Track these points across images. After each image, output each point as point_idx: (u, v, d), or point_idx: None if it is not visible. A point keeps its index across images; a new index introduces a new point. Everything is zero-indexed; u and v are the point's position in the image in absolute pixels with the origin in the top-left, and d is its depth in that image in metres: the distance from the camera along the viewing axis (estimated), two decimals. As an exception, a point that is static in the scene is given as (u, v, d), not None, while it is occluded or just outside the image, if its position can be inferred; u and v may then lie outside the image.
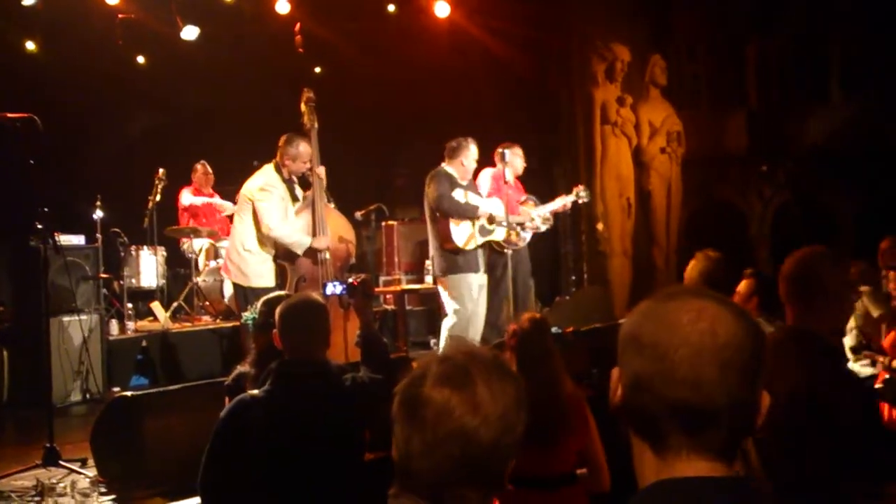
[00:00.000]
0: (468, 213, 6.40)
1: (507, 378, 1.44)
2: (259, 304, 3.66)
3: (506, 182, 6.85)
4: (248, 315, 4.86)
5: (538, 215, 6.98)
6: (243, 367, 3.43)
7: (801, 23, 10.80)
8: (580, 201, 7.21)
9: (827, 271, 2.66)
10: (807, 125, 10.78)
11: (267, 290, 5.32)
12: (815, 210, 10.82)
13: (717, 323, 1.15)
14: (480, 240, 6.50)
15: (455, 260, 6.40)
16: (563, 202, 7.13)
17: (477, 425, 1.38)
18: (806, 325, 2.51)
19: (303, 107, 6.19)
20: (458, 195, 6.43)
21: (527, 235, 6.95)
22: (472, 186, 6.69)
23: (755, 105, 11.16)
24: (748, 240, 10.88)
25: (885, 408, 4.25)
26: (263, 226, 5.97)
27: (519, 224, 6.79)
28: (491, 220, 6.53)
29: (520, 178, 7.16)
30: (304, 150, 6.09)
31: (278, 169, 6.11)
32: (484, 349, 1.58)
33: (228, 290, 7.55)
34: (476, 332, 6.43)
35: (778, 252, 10.62)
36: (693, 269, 3.83)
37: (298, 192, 6.27)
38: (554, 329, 5.22)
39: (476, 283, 6.46)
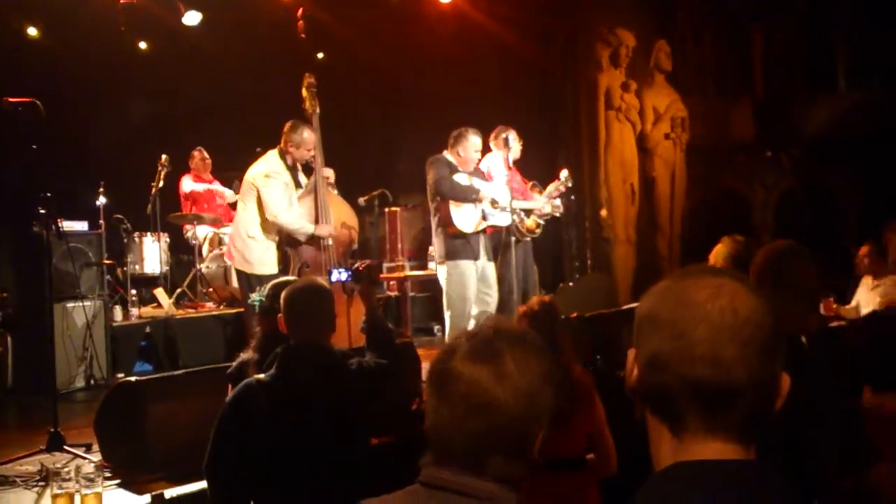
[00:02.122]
0: (468, 194, 6.36)
1: (533, 351, 1.48)
2: (267, 287, 3.66)
3: (509, 168, 6.85)
4: (256, 297, 4.86)
5: (548, 203, 6.99)
6: (245, 355, 3.42)
7: (807, 10, 10.74)
8: (568, 184, 7.21)
9: (792, 266, 2.64)
10: (811, 113, 10.75)
11: (270, 277, 5.32)
12: (819, 197, 10.80)
13: (736, 300, 1.13)
14: (484, 224, 6.48)
15: (455, 245, 6.38)
16: (556, 189, 7.13)
17: (505, 397, 1.42)
18: None
19: (304, 92, 6.17)
20: (461, 178, 6.41)
21: (542, 221, 6.99)
22: (477, 173, 6.66)
23: (760, 92, 11.12)
24: (752, 227, 10.86)
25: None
26: (268, 212, 5.96)
27: (524, 210, 6.78)
28: (495, 203, 6.51)
29: (519, 163, 7.18)
30: (308, 138, 6.07)
31: (282, 155, 6.10)
32: (512, 324, 1.63)
33: (232, 277, 7.55)
34: (485, 314, 6.42)
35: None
36: (719, 252, 3.82)
37: (302, 178, 6.26)
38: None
39: (479, 269, 6.45)
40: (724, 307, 1.13)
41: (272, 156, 6.13)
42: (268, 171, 6.01)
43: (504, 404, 1.42)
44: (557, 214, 7.21)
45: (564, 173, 7.17)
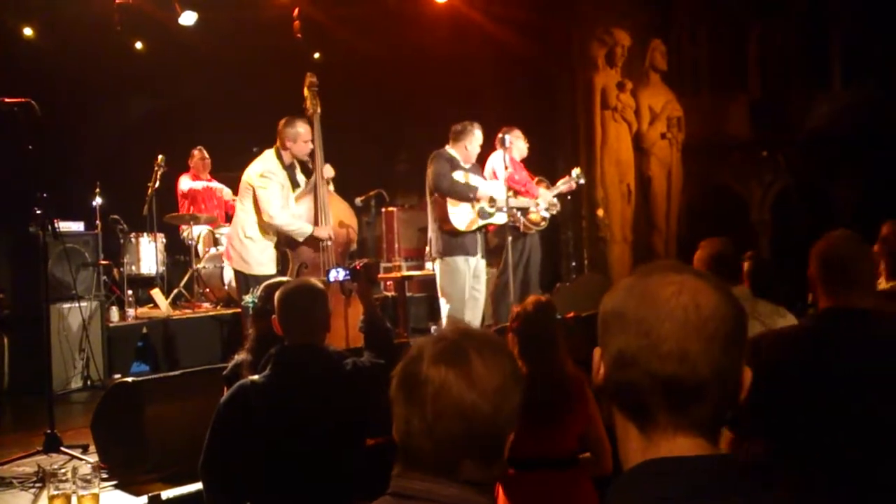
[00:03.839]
0: (465, 193, 6.39)
1: (500, 352, 1.49)
2: (259, 289, 3.66)
3: (513, 166, 6.88)
4: (249, 299, 4.86)
5: (545, 200, 7.02)
6: (240, 356, 3.42)
7: (803, 8, 10.75)
8: (580, 182, 7.26)
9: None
10: (808, 111, 10.76)
11: (268, 278, 5.31)
12: (815, 196, 10.80)
13: (698, 295, 1.15)
14: (480, 223, 6.50)
15: (452, 242, 6.42)
16: (567, 184, 7.18)
17: (474, 399, 1.41)
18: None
19: (306, 91, 6.16)
20: (458, 176, 6.44)
21: (546, 215, 7.02)
22: (476, 169, 6.69)
23: (756, 90, 11.12)
24: (749, 225, 10.87)
25: None
26: (264, 213, 5.95)
27: (520, 209, 6.80)
28: (492, 202, 6.52)
29: (523, 163, 7.22)
30: (304, 131, 6.05)
31: (279, 154, 6.08)
32: (476, 328, 1.63)
33: (228, 277, 7.55)
34: (474, 314, 6.45)
35: (778, 238, 10.62)
36: (702, 252, 3.89)
37: (300, 177, 6.25)
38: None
39: (472, 266, 6.47)
40: (686, 304, 1.14)
41: (268, 156, 6.10)
42: (263, 171, 5.99)
43: (475, 406, 1.41)
44: (554, 212, 7.24)
45: (576, 171, 7.23)
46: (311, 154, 6.17)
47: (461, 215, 6.41)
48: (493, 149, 7.06)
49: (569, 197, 7.62)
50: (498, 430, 1.44)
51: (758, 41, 11.06)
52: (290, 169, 6.13)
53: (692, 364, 1.13)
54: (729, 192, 11.11)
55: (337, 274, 3.73)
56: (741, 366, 1.17)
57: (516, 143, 6.97)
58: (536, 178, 7.23)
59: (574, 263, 10.02)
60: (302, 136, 6.03)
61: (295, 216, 6.04)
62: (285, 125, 6.04)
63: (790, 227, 10.15)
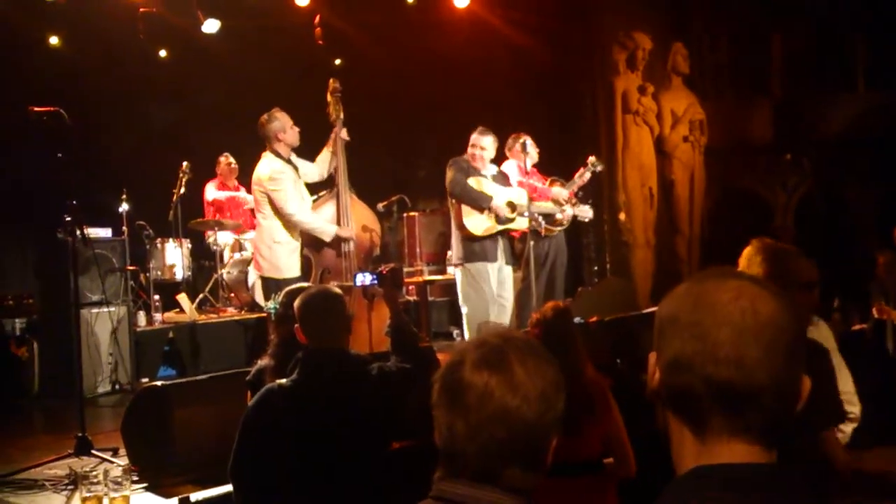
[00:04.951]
0: (476, 202, 6.42)
1: (542, 358, 1.48)
2: (281, 294, 3.70)
3: (527, 172, 6.91)
4: (272, 304, 4.91)
5: (562, 198, 7.04)
6: (263, 361, 3.46)
7: (826, 11, 10.68)
8: (596, 169, 7.26)
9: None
10: (831, 114, 10.68)
11: (295, 281, 5.36)
12: (838, 200, 10.73)
13: (757, 301, 1.15)
14: (499, 228, 6.52)
15: (472, 248, 6.45)
16: (582, 177, 7.20)
17: (518, 405, 1.41)
18: None
19: (329, 97, 6.21)
20: (474, 182, 6.47)
21: (570, 212, 7.04)
22: (500, 177, 6.71)
23: (779, 94, 11.06)
24: (772, 230, 10.80)
25: None
26: (284, 214, 5.97)
27: (543, 215, 6.83)
28: (513, 207, 6.55)
29: (539, 167, 7.26)
30: (284, 118, 6.04)
31: (276, 153, 6.08)
32: (517, 332, 1.62)
33: (252, 281, 7.61)
34: (500, 318, 6.46)
35: (802, 242, 10.55)
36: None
37: (303, 164, 6.22)
38: (577, 319, 5.25)
39: (494, 272, 6.48)
40: (745, 308, 1.14)
41: (268, 158, 6.07)
42: (271, 173, 5.98)
43: (519, 412, 1.41)
44: (586, 218, 7.27)
45: (592, 159, 7.24)
46: (333, 161, 6.22)
47: (476, 221, 6.45)
48: (505, 157, 7.13)
49: (590, 201, 7.62)
50: (541, 437, 1.44)
51: (780, 44, 11.00)
52: (291, 162, 6.14)
53: (749, 370, 1.12)
54: (752, 196, 11.05)
55: (364, 278, 3.78)
56: (799, 374, 1.16)
57: (532, 150, 7.02)
58: (550, 179, 7.26)
59: (596, 268, 10.01)
60: (287, 124, 6.04)
61: (315, 213, 6.07)
62: (268, 122, 6.04)
63: (813, 231, 10.09)
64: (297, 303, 3.08)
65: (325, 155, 6.29)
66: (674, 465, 1.22)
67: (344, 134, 6.17)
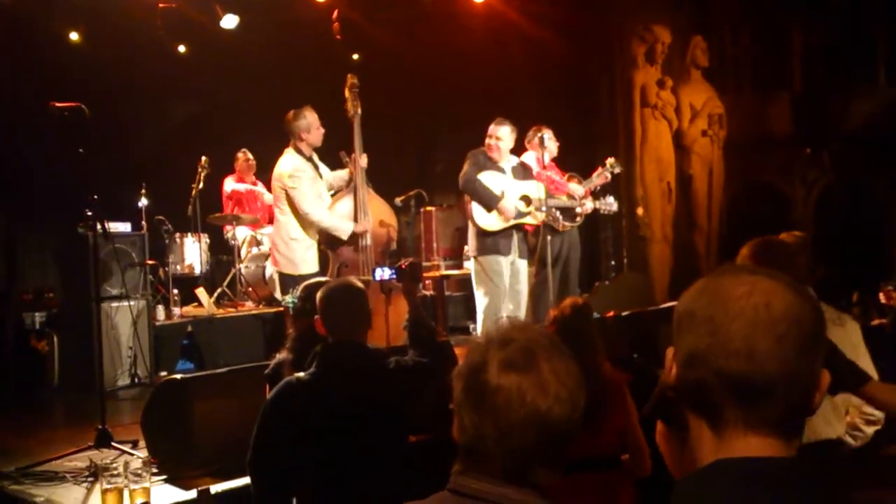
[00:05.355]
0: (484, 199, 6.42)
1: (565, 355, 1.47)
2: (299, 289, 3.72)
3: (545, 166, 6.89)
4: (289, 299, 4.93)
5: (577, 194, 7.04)
6: (281, 355, 3.48)
7: (848, 4, 10.58)
8: (615, 171, 7.26)
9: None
10: (852, 108, 10.59)
11: (312, 276, 5.38)
12: (858, 194, 10.64)
13: (771, 296, 1.16)
14: (513, 222, 6.51)
15: (485, 241, 6.46)
16: (600, 176, 7.20)
17: (550, 406, 1.40)
18: None
19: (346, 93, 6.22)
20: (485, 178, 6.45)
21: (590, 206, 7.04)
22: (519, 168, 6.69)
23: (799, 87, 10.97)
24: (792, 224, 10.73)
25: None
26: (301, 212, 6.01)
27: (561, 209, 6.82)
28: (528, 201, 6.53)
29: (556, 161, 7.25)
30: (313, 119, 6.09)
31: (298, 149, 6.11)
32: (537, 327, 1.59)
33: (269, 275, 7.65)
34: (515, 313, 6.45)
35: (821, 236, 10.46)
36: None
37: (323, 168, 6.27)
38: (594, 315, 5.24)
39: (506, 264, 6.48)
40: (758, 303, 1.15)
41: (290, 154, 6.11)
42: (292, 170, 6.02)
43: (550, 414, 1.40)
44: (609, 212, 7.27)
45: (610, 160, 7.24)
46: (351, 155, 6.24)
47: (486, 215, 6.45)
48: (525, 149, 7.11)
49: (609, 196, 7.60)
50: (568, 435, 1.44)
51: (800, 37, 10.91)
52: (312, 161, 6.17)
53: (760, 363, 1.13)
54: (771, 190, 10.98)
55: (382, 272, 3.80)
56: (816, 367, 1.17)
57: (550, 144, 7.01)
58: (568, 174, 7.24)
59: (613, 262, 9.98)
60: (313, 123, 6.08)
61: (335, 215, 6.10)
62: (295, 119, 6.07)
63: (833, 225, 10.01)
64: (319, 294, 3.10)
65: (342, 173, 6.32)
66: (693, 460, 1.22)
67: (363, 161, 6.20)
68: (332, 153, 6.48)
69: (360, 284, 3.19)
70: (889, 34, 10.61)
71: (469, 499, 1.42)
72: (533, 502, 1.42)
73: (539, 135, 6.91)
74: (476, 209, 6.43)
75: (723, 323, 1.15)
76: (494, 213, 6.43)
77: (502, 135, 6.56)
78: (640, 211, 9.77)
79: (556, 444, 1.43)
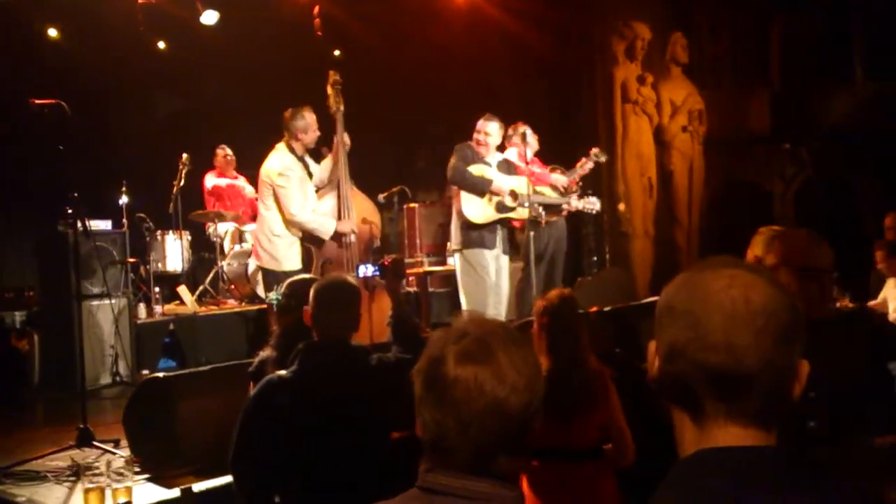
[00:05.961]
0: (477, 187, 6.42)
1: (521, 344, 1.48)
2: (283, 286, 3.72)
3: (528, 161, 6.92)
4: (273, 295, 4.92)
5: (560, 184, 7.07)
6: (265, 353, 3.48)
7: (826, 1, 10.67)
8: (600, 160, 7.29)
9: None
10: (830, 104, 10.68)
11: (295, 273, 5.37)
12: (837, 190, 10.73)
13: (750, 290, 1.18)
14: (498, 216, 6.53)
15: (470, 235, 6.46)
16: (583, 166, 7.23)
17: (507, 395, 1.41)
18: None
19: (329, 89, 6.20)
20: (475, 169, 6.47)
21: (576, 204, 7.06)
22: (504, 164, 6.71)
23: (778, 84, 11.05)
24: (772, 220, 10.80)
25: None
26: (286, 212, 5.99)
27: (544, 206, 6.85)
28: (515, 196, 6.55)
29: (538, 156, 7.28)
30: (311, 119, 6.08)
31: (291, 147, 6.10)
32: (493, 320, 1.60)
33: (252, 272, 7.63)
34: (499, 310, 6.47)
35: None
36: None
37: (314, 167, 6.27)
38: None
39: (491, 258, 6.49)
40: (736, 297, 1.17)
41: (282, 151, 6.10)
42: (282, 168, 6.00)
43: (508, 402, 1.41)
44: (593, 211, 7.29)
45: (595, 150, 7.27)
46: (335, 151, 6.23)
47: (475, 208, 6.45)
48: (505, 147, 7.13)
49: (590, 192, 7.63)
50: (529, 423, 1.45)
51: (779, 34, 10.99)
52: (302, 160, 6.16)
53: (738, 355, 1.15)
54: (751, 186, 11.06)
55: (366, 269, 3.81)
56: (795, 359, 1.19)
57: (532, 140, 7.04)
58: (551, 166, 7.28)
59: (595, 258, 10.02)
60: (311, 125, 6.07)
61: (319, 213, 6.09)
62: (293, 118, 6.06)
63: (813, 221, 10.09)
64: (313, 288, 3.09)
65: (327, 163, 6.31)
66: (677, 452, 1.25)
67: (346, 139, 6.18)
68: (314, 149, 6.46)
69: (354, 283, 3.19)
70: (867, 31, 10.70)
71: (438, 495, 1.43)
72: (499, 492, 1.43)
73: (520, 131, 6.93)
74: (465, 200, 6.42)
75: (702, 317, 1.17)
76: (484, 203, 6.43)
77: (491, 131, 6.57)
78: (621, 207, 9.82)
79: (516, 432, 1.44)
